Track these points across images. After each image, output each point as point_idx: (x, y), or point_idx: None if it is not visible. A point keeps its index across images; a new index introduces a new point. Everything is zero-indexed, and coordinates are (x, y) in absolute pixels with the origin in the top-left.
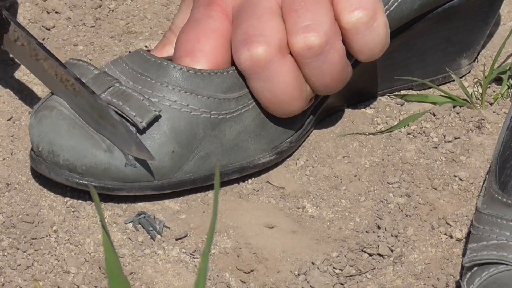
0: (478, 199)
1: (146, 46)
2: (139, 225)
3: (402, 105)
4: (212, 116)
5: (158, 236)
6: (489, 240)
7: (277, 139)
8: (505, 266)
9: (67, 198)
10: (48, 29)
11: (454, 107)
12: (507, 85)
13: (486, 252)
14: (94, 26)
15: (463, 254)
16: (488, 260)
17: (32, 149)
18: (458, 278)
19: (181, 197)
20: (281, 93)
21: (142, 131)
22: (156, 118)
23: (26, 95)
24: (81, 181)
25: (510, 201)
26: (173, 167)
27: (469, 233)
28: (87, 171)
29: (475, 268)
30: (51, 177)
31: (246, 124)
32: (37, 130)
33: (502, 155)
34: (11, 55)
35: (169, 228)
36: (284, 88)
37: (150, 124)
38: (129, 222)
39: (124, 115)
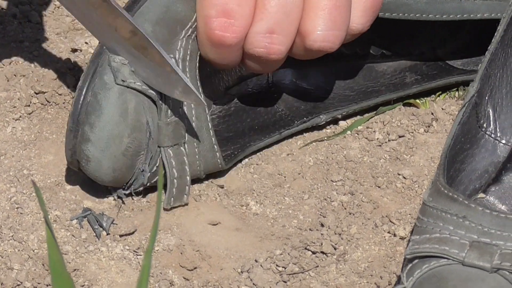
0: (424, 192)
1: (86, 43)
2: (84, 222)
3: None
4: None
5: (104, 232)
6: (432, 233)
7: None
8: (446, 260)
9: (11, 195)
10: None
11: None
12: None
13: (428, 245)
14: (40, 23)
15: None
16: (429, 253)
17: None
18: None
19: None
20: (225, 64)
21: None
22: None
23: None
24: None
25: (455, 196)
26: None
27: (412, 231)
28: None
29: (416, 260)
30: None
31: None
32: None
33: (452, 149)
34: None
35: (117, 224)
36: (229, 62)
37: None
38: (75, 219)
39: None
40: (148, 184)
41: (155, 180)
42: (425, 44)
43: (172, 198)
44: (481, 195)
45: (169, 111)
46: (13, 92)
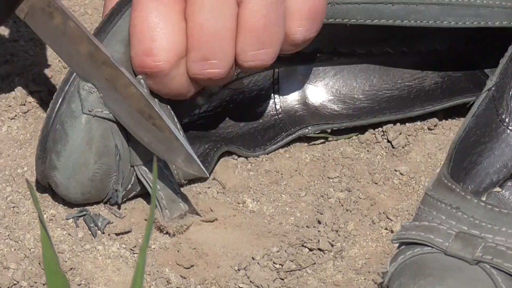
0: (428, 182)
1: None
2: (80, 221)
3: None
4: None
5: (99, 232)
6: (421, 221)
7: None
8: (430, 248)
9: (7, 194)
10: None
11: None
12: None
13: (415, 232)
14: None
15: None
16: (414, 240)
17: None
18: None
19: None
20: (175, 90)
21: None
22: None
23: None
24: None
25: (453, 186)
26: None
27: None
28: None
29: (402, 246)
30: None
31: None
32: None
33: (463, 140)
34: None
35: (113, 223)
36: (178, 88)
37: None
38: (70, 218)
39: None
40: (125, 200)
41: (132, 195)
42: (451, 38)
43: (166, 210)
44: (497, 189)
45: None
46: (8, 91)
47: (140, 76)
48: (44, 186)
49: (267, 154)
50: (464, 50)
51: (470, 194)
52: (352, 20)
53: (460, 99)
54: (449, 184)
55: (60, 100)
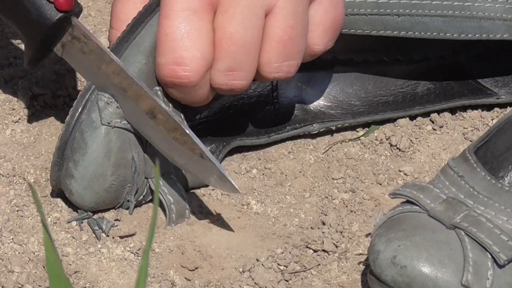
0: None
1: None
2: (84, 224)
3: None
4: None
5: (103, 234)
6: (424, 182)
7: None
8: (418, 207)
9: (11, 198)
10: None
11: None
12: None
13: (408, 190)
14: None
15: None
16: (406, 197)
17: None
18: None
19: None
20: (197, 99)
21: None
22: None
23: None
24: None
25: (469, 157)
26: None
27: None
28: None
29: (399, 203)
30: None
31: None
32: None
33: (504, 129)
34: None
35: (117, 226)
36: (200, 97)
37: None
38: (74, 221)
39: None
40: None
41: (141, 204)
42: (445, 48)
43: (173, 224)
44: None
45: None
46: (12, 94)
47: (157, 88)
48: (57, 192)
49: (272, 142)
50: (455, 60)
51: (481, 167)
52: (358, 31)
53: (458, 101)
54: (468, 155)
55: (81, 108)
